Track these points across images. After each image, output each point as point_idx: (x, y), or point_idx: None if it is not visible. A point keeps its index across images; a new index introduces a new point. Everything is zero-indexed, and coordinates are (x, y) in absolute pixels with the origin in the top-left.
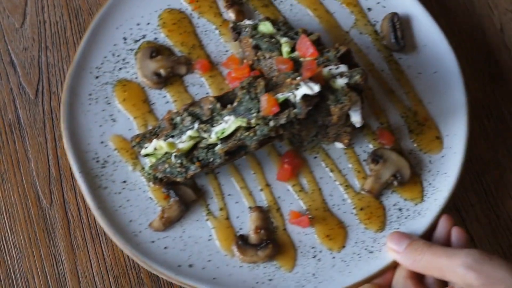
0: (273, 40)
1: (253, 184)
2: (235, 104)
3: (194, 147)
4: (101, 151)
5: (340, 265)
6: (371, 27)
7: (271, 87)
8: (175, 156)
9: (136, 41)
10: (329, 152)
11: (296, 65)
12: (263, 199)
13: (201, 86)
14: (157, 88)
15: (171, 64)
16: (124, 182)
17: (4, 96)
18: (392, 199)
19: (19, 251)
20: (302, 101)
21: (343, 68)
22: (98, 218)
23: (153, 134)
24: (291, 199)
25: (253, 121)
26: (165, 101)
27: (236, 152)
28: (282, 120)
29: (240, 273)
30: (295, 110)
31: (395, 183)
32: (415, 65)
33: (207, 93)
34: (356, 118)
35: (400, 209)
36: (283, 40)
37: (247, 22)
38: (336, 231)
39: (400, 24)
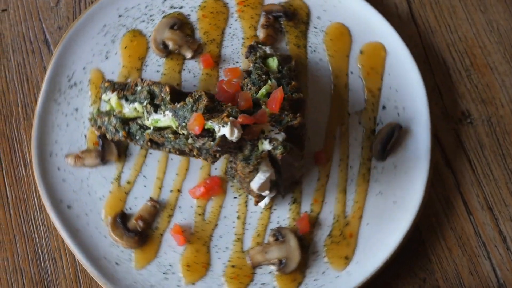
0: (265, 77)
1: (169, 182)
2: (178, 105)
3: (134, 118)
4: (78, 74)
5: None
6: (372, 124)
7: (213, 110)
8: (114, 115)
9: (173, 7)
10: (249, 202)
11: (257, 107)
12: (166, 198)
13: (194, 76)
14: (158, 55)
15: (182, 43)
16: (76, 110)
17: (37, 74)
18: (264, 278)
19: (47, 230)
20: (218, 138)
21: (279, 136)
22: (34, 123)
23: (120, 88)
24: (187, 215)
25: (179, 129)
26: (156, 70)
27: (160, 145)
28: (198, 143)
29: (100, 241)
30: (211, 143)
31: (276, 267)
32: (383, 182)
33: (194, 86)
34: (254, 185)
35: None
36: (270, 82)
37: (266, 48)
38: (199, 267)
39: (397, 138)
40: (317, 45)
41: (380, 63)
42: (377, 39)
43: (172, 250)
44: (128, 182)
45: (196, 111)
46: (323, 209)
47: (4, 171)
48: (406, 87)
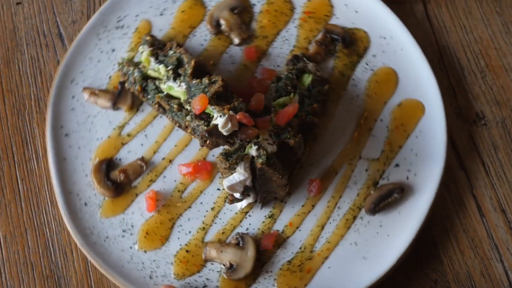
0: (291, 89)
1: (165, 150)
2: (194, 81)
3: (154, 78)
4: (129, 19)
5: (125, 257)
6: (377, 177)
7: (222, 98)
8: (139, 68)
9: None
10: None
11: (266, 113)
12: (155, 163)
13: (232, 63)
14: (208, 30)
15: (234, 28)
16: (113, 50)
17: (50, 68)
18: (211, 275)
19: (59, 224)
20: (211, 125)
21: (270, 147)
22: (70, 48)
23: (158, 46)
24: (167, 187)
25: (185, 103)
26: (200, 43)
27: (165, 111)
28: (193, 123)
29: (80, 177)
30: (204, 127)
31: (225, 269)
32: (362, 235)
33: (229, 71)
34: (225, 183)
35: (204, 286)
36: (292, 96)
37: (310, 64)
38: (156, 238)
39: (393, 200)
40: (360, 81)
41: (413, 123)
42: (421, 99)
43: (139, 212)
44: (129, 135)
45: (206, 92)
46: (294, 235)
47: (16, 164)
48: (427, 157)
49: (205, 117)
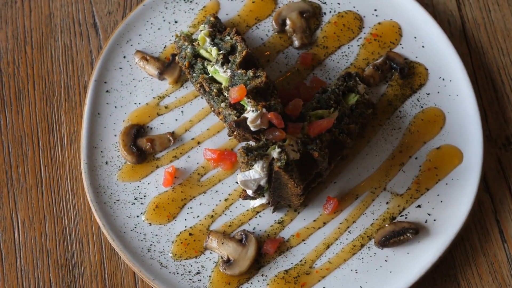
0: (333, 103)
1: (196, 131)
2: (239, 71)
3: (204, 58)
4: None
5: (130, 225)
6: (396, 212)
7: (261, 94)
8: (192, 45)
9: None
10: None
11: (301, 120)
12: (183, 141)
13: (286, 64)
14: (272, 26)
15: (298, 31)
16: (175, 22)
17: (82, 57)
18: (207, 264)
19: (77, 214)
20: (241, 117)
21: (292, 154)
22: (135, 10)
23: (218, 29)
24: (188, 167)
25: (224, 90)
26: (261, 37)
27: (205, 92)
28: (226, 111)
29: (108, 135)
30: (234, 117)
31: (222, 261)
32: (365, 265)
33: (280, 71)
34: (239, 177)
35: (198, 273)
36: (332, 111)
37: (361, 85)
38: (164, 214)
39: (403, 240)
40: (406, 115)
41: (447, 169)
42: (462, 148)
43: (155, 184)
44: (166, 107)
45: (247, 85)
46: (298, 246)
47: (40, 150)
48: (451, 207)
49: (239, 108)
